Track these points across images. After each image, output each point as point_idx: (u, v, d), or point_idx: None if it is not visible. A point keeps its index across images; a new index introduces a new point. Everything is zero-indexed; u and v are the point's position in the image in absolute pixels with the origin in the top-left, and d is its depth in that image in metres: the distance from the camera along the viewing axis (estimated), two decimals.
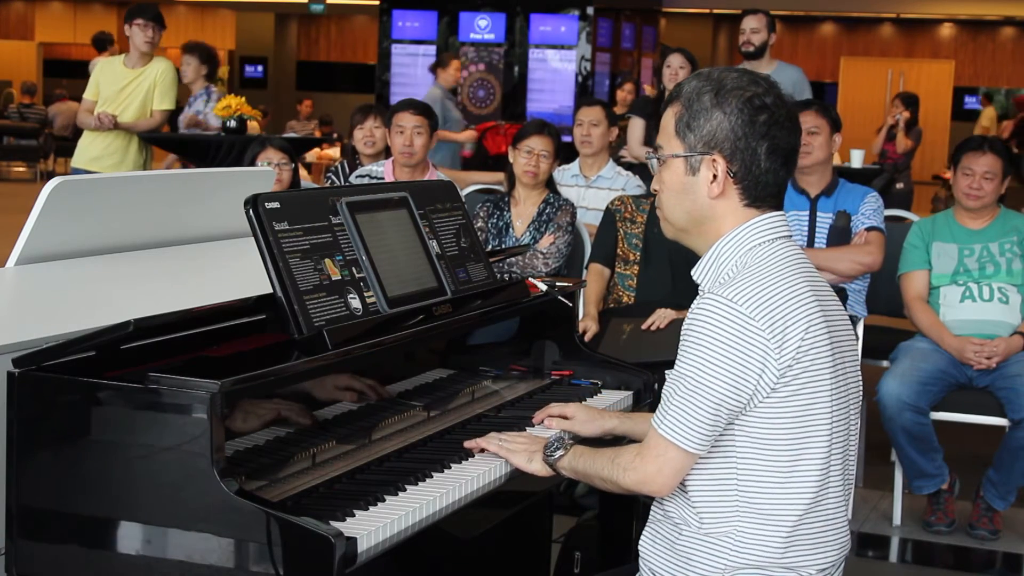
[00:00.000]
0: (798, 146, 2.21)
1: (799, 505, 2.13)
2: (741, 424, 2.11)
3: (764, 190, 2.17)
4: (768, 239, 2.17)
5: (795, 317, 2.08)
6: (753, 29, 6.68)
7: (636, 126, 6.83)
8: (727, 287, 2.09)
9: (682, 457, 2.11)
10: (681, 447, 2.09)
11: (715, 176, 2.16)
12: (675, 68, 6.68)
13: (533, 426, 2.68)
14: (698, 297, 2.14)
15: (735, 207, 2.17)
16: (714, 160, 2.15)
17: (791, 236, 2.22)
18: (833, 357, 2.14)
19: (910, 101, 10.57)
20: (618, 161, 6.95)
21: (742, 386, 2.06)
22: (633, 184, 5.59)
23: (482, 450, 2.46)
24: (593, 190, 5.59)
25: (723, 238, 2.18)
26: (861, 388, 2.28)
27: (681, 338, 2.12)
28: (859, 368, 2.29)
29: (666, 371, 2.18)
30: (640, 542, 2.30)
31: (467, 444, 2.47)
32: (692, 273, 2.24)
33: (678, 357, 2.12)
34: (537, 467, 2.39)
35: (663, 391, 2.15)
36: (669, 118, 2.21)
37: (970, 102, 22.51)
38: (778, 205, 2.21)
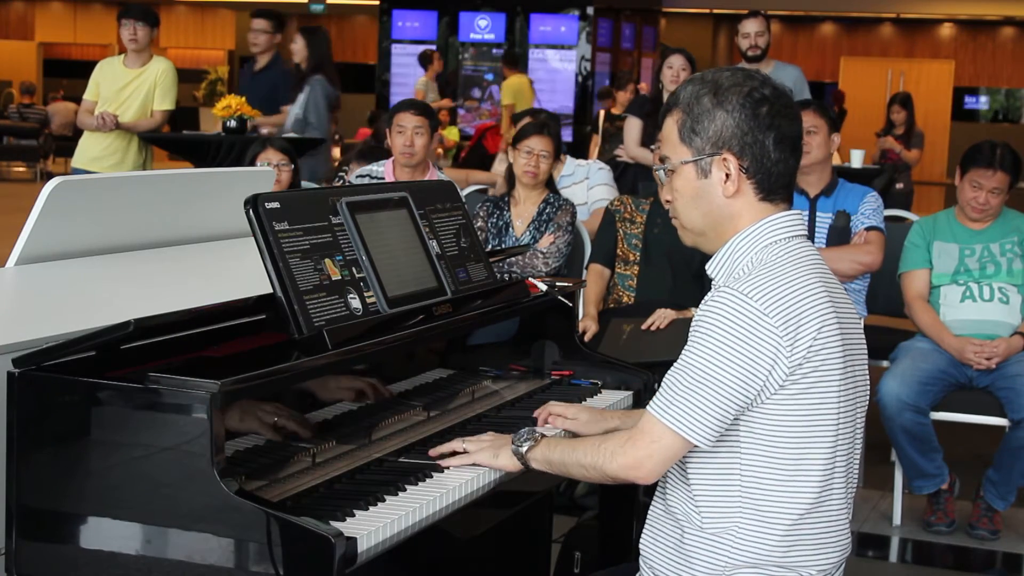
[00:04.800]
0: (802, 133, 2.23)
1: (801, 505, 2.13)
2: (747, 420, 2.11)
3: (777, 181, 2.18)
4: (785, 237, 2.18)
5: (808, 316, 2.09)
6: (758, 32, 6.68)
7: (632, 126, 6.79)
8: (742, 282, 2.09)
9: (677, 446, 2.11)
10: (686, 438, 2.09)
11: (728, 175, 2.17)
12: (676, 69, 6.65)
13: (536, 425, 2.67)
14: (712, 290, 2.14)
15: (751, 203, 2.18)
16: (724, 159, 2.16)
17: (807, 236, 2.23)
18: (844, 359, 2.14)
19: (906, 102, 10.56)
20: (614, 160, 7.00)
21: (751, 381, 2.06)
22: (595, 168, 5.78)
23: (451, 453, 2.39)
24: (565, 191, 5.57)
25: (740, 234, 2.18)
26: (868, 393, 2.28)
27: (691, 330, 2.12)
28: (868, 372, 2.28)
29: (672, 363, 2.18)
30: (641, 542, 2.30)
31: (431, 452, 2.41)
32: (706, 267, 2.24)
33: (686, 347, 2.12)
34: (505, 462, 2.35)
35: (664, 379, 2.14)
36: (671, 127, 2.22)
37: (970, 102, 22.53)
38: (789, 197, 2.23)
